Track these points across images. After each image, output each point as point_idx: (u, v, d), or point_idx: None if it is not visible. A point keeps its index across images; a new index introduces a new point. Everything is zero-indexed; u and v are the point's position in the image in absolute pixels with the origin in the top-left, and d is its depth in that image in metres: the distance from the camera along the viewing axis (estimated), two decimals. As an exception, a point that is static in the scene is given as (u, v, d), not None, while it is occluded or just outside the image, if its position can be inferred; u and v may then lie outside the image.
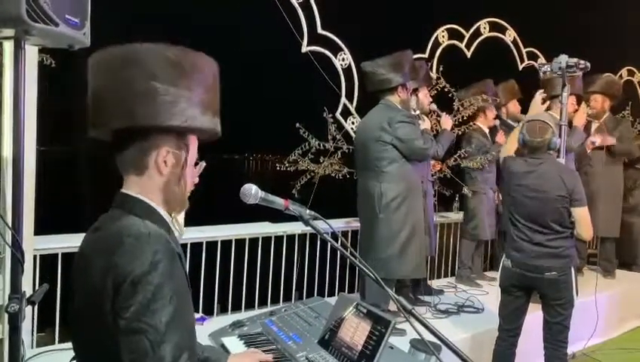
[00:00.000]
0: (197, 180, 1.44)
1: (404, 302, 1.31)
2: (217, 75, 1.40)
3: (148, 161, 1.30)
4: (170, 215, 1.38)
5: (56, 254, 3.11)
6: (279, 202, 1.53)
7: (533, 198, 3.02)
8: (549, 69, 3.67)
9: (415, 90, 4.03)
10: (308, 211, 1.55)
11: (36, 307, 2.93)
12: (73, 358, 1.34)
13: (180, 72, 1.27)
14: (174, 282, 1.17)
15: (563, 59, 3.56)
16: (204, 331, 2.15)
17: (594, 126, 5.12)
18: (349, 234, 4.43)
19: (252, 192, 1.49)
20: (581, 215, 2.98)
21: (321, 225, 1.58)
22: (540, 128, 3.04)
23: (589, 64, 3.57)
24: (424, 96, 4.11)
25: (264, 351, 1.78)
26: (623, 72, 7.26)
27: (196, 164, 1.42)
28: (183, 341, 1.16)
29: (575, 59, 3.55)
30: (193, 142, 1.39)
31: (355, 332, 1.64)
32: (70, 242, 3.03)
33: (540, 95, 3.83)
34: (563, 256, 2.98)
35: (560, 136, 3.52)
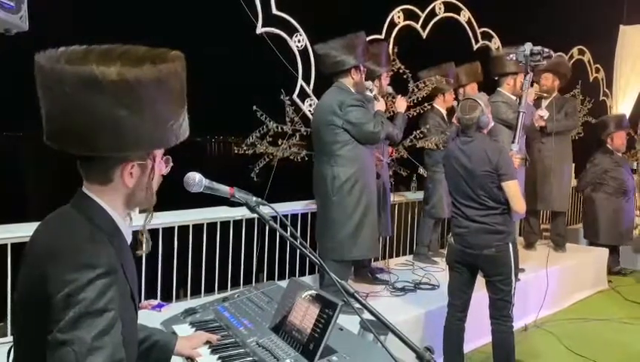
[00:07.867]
0: (166, 172, 1.40)
1: (346, 286, 1.33)
2: (184, 70, 1.29)
3: (112, 175, 1.27)
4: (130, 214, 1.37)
5: (6, 244, 3.02)
6: (224, 190, 1.52)
7: (463, 175, 3.10)
8: (514, 58, 3.68)
9: (378, 76, 4.04)
10: (254, 198, 1.55)
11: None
12: (12, 347, 1.32)
13: (143, 95, 1.19)
14: (111, 296, 1.16)
15: (527, 47, 3.56)
16: (162, 318, 2.14)
17: (544, 103, 5.27)
18: (309, 216, 4.44)
19: (196, 180, 1.47)
20: (510, 189, 3.01)
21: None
22: (469, 106, 3.11)
23: (552, 52, 3.60)
24: (385, 79, 4.14)
25: (215, 338, 1.79)
26: (574, 51, 7.44)
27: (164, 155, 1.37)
28: (115, 354, 1.14)
29: (539, 47, 3.54)
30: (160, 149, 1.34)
31: (304, 316, 1.67)
32: (20, 232, 2.94)
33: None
34: (498, 232, 3.04)
35: (518, 120, 3.60)
